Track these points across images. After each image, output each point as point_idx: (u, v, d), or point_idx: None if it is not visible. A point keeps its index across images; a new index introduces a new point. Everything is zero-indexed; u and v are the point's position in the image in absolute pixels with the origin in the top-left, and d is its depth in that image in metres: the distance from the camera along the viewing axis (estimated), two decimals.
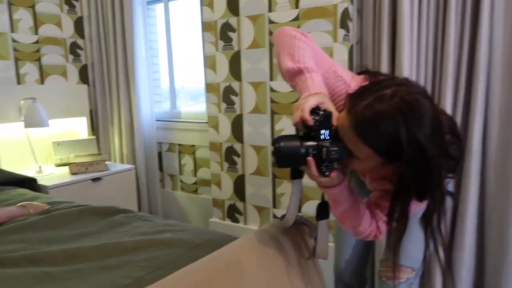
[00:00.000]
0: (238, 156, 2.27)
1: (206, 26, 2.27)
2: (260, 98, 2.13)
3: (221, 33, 2.22)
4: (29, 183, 2.21)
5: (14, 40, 2.54)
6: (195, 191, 2.89)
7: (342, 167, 0.90)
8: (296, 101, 0.92)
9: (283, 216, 1.05)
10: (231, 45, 2.20)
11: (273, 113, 2.10)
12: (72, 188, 2.34)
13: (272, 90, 2.08)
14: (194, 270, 0.90)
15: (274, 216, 2.19)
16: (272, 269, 0.96)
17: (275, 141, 0.87)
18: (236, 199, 2.32)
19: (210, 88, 2.33)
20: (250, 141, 2.21)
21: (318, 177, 0.87)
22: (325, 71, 1.03)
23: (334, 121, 0.87)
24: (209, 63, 2.30)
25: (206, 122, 2.71)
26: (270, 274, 0.96)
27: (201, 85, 2.79)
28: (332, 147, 0.83)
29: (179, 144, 2.92)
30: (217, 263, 0.93)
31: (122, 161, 2.92)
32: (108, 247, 1.25)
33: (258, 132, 2.16)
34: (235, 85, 2.21)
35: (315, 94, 0.91)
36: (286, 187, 2.12)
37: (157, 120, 2.94)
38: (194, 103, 3.00)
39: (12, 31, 2.53)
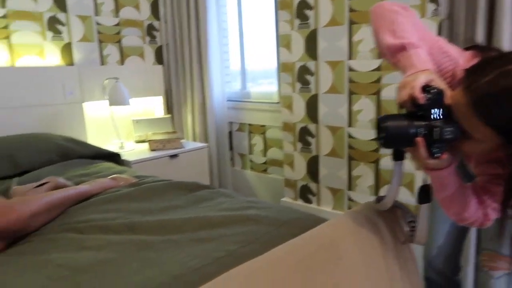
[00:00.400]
0: (313, 136, 2.24)
1: (281, 5, 2.23)
2: (337, 78, 2.08)
3: (297, 11, 2.17)
4: (113, 157, 2.36)
5: (98, 23, 2.69)
6: (265, 171, 2.92)
7: (452, 149, 0.85)
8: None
9: (379, 198, 1.02)
10: (307, 23, 2.15)
11: (351, 93, 2.04)
12: (151, 164, 2.46)
13: (350, 69, 2.02)
14: (295, 247, 0.91)
15: (349, 199, 2.15)
16: (368, 251, 0.95)
17: (381, 120, 0.84)
18: (309, 180, 2.31)
19: (284, 67, 2.31)
20: (325, 122, 2.17)
21: (427, 158, 0.82)
22: (430, 46, 0.97)
23: (447, 99, 0.82)
24: (284, 42, 2.27)
25: (277, 103, 2.71)
26: (366, 255, 0.94)
27: (271, 65, 2.77)
28: (447, 127, 0.79)
29: (249, 124, 2.95)
30: (315, 242, 0.93)
31: (194, 139, 3.01)
32: (198, 220, 1.30)
33: (334, 113, 2.12)
34: (310, 64, 2.17)
35: (423, 71, 0.85)
36: (362, 169, 2.07)
37: (228, 100, 2.99)
38: (263, 83, 3.01)
39: (96, 14, 2.67)
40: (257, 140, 2.92)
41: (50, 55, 2.47)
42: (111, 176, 1.79)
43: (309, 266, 0.85)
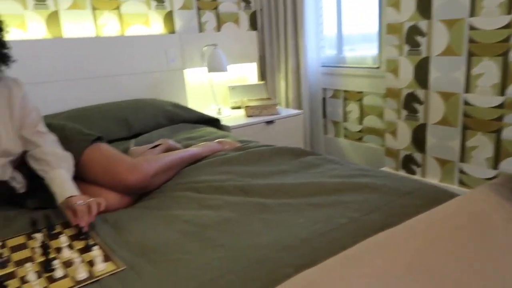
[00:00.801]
0: (420, 103, 2.08)
1: None
2: (454, 38, 1.88)
3: None
4: (213, 123, 2.44)
5: None
6: (360, 139, 2.82)
7: None
8: None
9: None
10: None
11: (470, 54, 1.84)
12: (248, 129, 2.50)
13: (471, 28, 1.81)
14: (442, 218, 0.84)
15: (461, 171, 1.99)
16: None
17: None
18: (413, 150, 2.18)
19: (390, 29, 2.15)
20: (436, 87, 2.00)
21: None
22: None
23: None
24: (391, 1, 2.10)
25: (377, 67, 2.56)
26: None
27: (371, 28, 2.60)
28: None
29: (344, 91, 2.84)
30: (465, 213, 0.85)
31: (287, 106, 2.99)
32: (311, 186, 1.28)
33: (448, 77, 1.93)
34: (422, 24, 1.99)
35: None
36: (479, 139, 1.88)
37: (322, 66, 2.90)
38: (360, 48, 2.85)
39: None
40: (353, 107, 2.81)
41: (154, 24, 2.57)
42: (217, 140, 1.84)
43: (462, 238, 0.79)
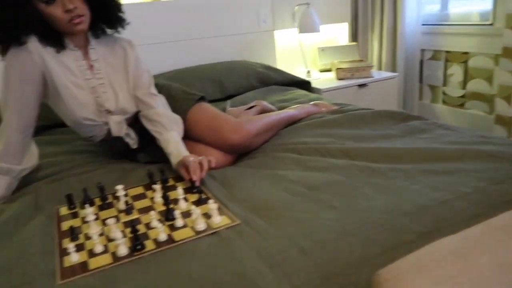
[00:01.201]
0: None
1: None
2: None
3: None
4: (304, 85, 2.38)
5: None
6: (461, 105, 2.58)
7: None
8: None
9: None
10: None
11: None
12: (339, 93, 2.41)
13: None
14: None
15: None
16: None
17: None
18: None
19: None
20: None
21: None
22: None
23: None
24: None
25: (490, 24, 2.28)
26: None
27: None
28: None
29: (446, 51, 2.59)
30: None
31: (379, 69, 2.82)
32: (423, 151, 1.19)
33: None
34: None
35: None
36: None
37: (422, 24, 2.66)
38: (469, 2, 2.54)
39: None
40: (455, 70, 2.56)
41: None
42: (312, 102, 1.80)
43: None
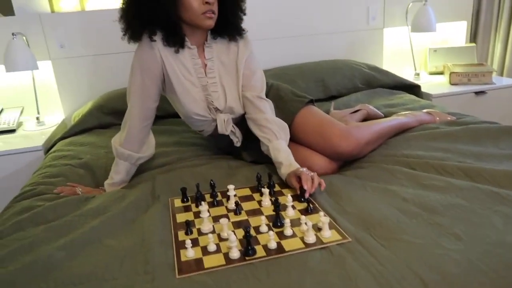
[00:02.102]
0: None
1: None
2: None
3: None
4: (411, 89, 2.23)
5: None
6: None
7: None
8: None
9: None
10: None
11: None
12: (452, 99, 2.21)
13: None
14: None
15: None
16: None
17: None
18: None
19: None
20: None
21: None
22: None
23: None
24: None
25: None
26: None
27: None
28: None
29: None
30: None
31: (501, 75, 2.53)
32: None
33: None
34: None
35: None
36: None
37: None
38: None
39: None
40: None
41: None
42: (426, 110, 1.67)
43: None
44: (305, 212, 1.02)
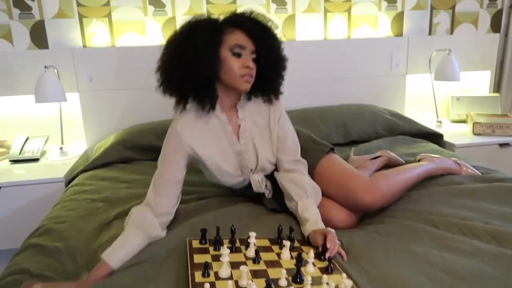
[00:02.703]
0: None
1: None
2: None
3: None
4: (433, 137, 2.20)
5: None
6: None
7: None
8: None
9: None
10: None
11: None
12: (475, 151, 2.17)
13: None
14: None
15: None
16: None
17: None
18: None
19: None
20: None
21: None
22: None
23: None
24: None
25: None
26: None
27: None
28: None
29: None
30: None
31: None
32: None
33: None
34: None
35: None
36: None
37: None
38: None
39: None
40: None
41: (382, 25, 2.46)
42: (454, 159, 1.62)
43: None
44: (326, 271, 0.99)
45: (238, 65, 1.20)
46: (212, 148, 1.28)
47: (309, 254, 1.00)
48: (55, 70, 2.09)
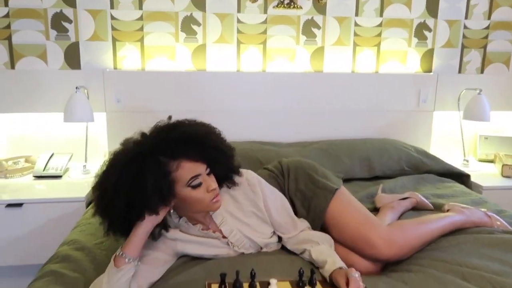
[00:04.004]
0: None
1: None
2: None
3: None
4: (460, 177, 2.13)
5: (465, 27, 2.45)
6: None
7: None
8: None
9: None
10: None
11: None
12: (503, 194, 2.09)
13: None
14: None
15: None
16: None
17: None
18: None
19: None
20: None
21: None
22: None
23: None
24: None
25: None
26: None
27: None
28: None
29: None
30: None
31: None
32: None
33: None
34: None
35: None
36: None
37: None
38: None
39: (466, 17, 2.43)
40: None
41: (411, 61, 2.44)
42: (484, 210, 1.55)
43: None
44: None
45: (202, 194, 1.11)
46: (198, 252, 1.23)
47: None
48: (85, 91, 2.13)
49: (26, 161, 2.17)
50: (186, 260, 1.24)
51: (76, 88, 2.00)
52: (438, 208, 1.64)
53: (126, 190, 1.03)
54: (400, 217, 1.60)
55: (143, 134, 1.15)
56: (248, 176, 1.27)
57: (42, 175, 2.03)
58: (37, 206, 1.81)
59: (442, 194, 1.84)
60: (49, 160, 2.09)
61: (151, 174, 1.03)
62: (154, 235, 1.15)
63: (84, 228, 1.47)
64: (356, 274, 1.05)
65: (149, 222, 1.08)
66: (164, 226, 1.17)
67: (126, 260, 1.04)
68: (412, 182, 1.99)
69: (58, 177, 2.05)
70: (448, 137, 2.52)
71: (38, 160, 2.09)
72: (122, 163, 1.06)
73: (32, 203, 1.80)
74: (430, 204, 1.67)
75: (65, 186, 1.97)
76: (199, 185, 1.10)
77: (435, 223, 1.39)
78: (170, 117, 1.20)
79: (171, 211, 1.17)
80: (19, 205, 1.79)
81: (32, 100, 2.14)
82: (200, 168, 1.11)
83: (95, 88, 2.16)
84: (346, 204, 1.35)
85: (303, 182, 1.40)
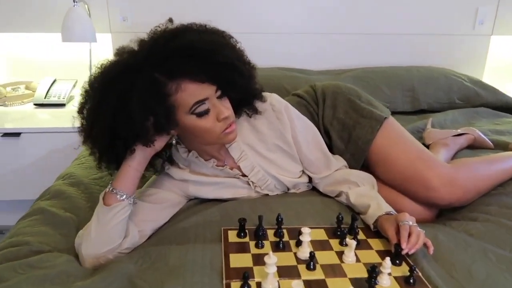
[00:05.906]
0: None
1: None
2: None
3: None
4: None
5: None
6: None
7: None
8: None
9: None
10: None
11: None
12: None
13: None
14: None
15: None
16: None
17: None
18: None
19: None
20: None
21: None
22: None
23: None
24: None
25: None
26: None
27: None
28: None
29: None
30: None
31: None
32: None
33: None
34: None
35: None
36: None
37: None
38: None
39: None
40: None
41: None
42: None
43: None
44: (406, 283, 0.74)
45: (211, 123, 0.87)
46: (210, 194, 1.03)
47: (385, 263, 0.74)
48: (86, 6, 1.86)
49: (27, 87, 1.96)
50: (197, 202, 1.03)
51: (74, 1, 1.72)
52: (501, 147, 1.37)
53: (111, 113, 0.80)
54: (454, 156, 1.34)
55: (141, 42, 0.89)
56: (273, 101, 1.01)
57: (44, 103, 1.83)
58: (37, 136, 1.63)
59: (502, 131, 1.55)
60: (51, 86, 1.88)
61: (138, 92, 0.79)
62: (156, 169, 0.94)
63: (84, 161, 1.27)
64: (410, 221, 0.82)
65: (142, 152, 0.86)
66: (169, 160, 0.95)
67: (118, 196, 0.83)
68: (464, 116, 1.70)
69: (61, 105, 1.85)
70: (506, 67, 2.17)
71: (38, 86, 1.88)
72: (107, 79, 0.82)
73: (31, 133, 1.62)
74: (490, 142, 1.40)
75: (69, 115, 1.75)
76: (206, 112, 0.86)
77: (506, 162, 1.13)
78: (171, 20, 0.91)
79: (173, 142, 0.94)
80: (16, 134, 1.61)
81: (27, 18, 1.88)
82: (207, 91, 0.85)
83: (96, 3, 1.88)
84: (396, 137, 1.09)
85: (343, 109, 1.13)
